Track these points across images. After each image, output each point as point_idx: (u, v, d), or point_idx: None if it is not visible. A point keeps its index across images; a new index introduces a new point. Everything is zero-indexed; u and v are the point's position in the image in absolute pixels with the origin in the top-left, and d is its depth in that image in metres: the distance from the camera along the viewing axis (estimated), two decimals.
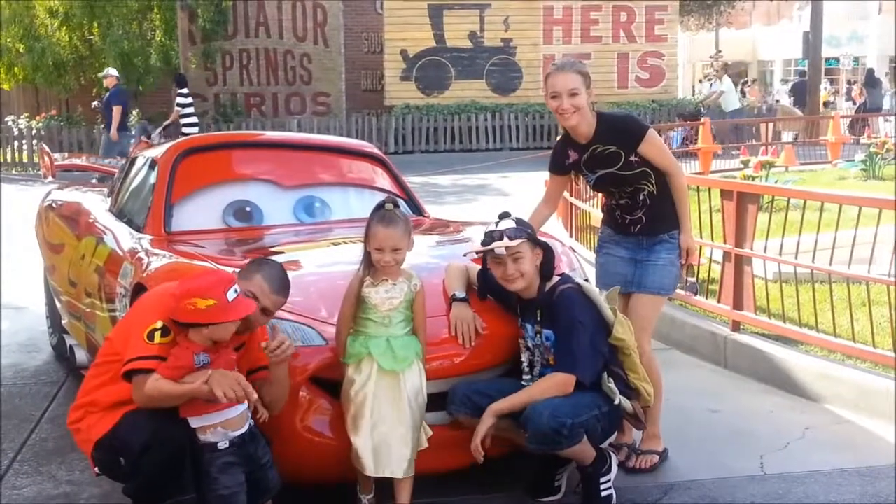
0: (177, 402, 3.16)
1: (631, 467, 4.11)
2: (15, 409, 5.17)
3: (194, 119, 17.39)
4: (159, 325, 3.18)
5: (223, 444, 3.22)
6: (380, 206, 3.58)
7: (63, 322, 5.81)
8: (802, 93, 26.23)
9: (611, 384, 3.62)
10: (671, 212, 4.11)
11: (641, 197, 4.06)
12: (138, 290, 3.94)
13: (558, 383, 3.59)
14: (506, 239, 3.65)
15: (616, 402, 3.63)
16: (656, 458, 4.15)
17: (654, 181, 4.05)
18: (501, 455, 3.79)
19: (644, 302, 4.12)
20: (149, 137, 17.34)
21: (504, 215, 3.78)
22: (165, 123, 17.51)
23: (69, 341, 5.64)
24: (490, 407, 3.57)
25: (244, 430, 3.28)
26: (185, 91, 17.45)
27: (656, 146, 4.04)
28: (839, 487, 3.94)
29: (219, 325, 3.14)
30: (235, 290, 3.17)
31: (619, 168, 4.02)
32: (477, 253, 3.83)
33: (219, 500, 3.19)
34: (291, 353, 3.35)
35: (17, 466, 4.33)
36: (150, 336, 3.17)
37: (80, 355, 5.36)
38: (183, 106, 17.33)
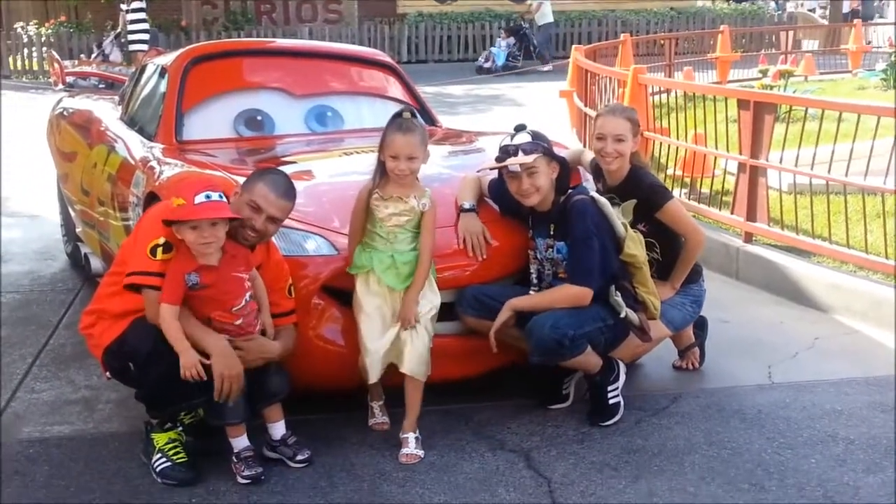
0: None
1: (679, 367, 4.29)
2: (33, 315, 5.24)
3: (144, 35, 15.55)
4: (162, 240, 3.20)
5: None
6: (398, 115, 3.53)
7: (77, 230, 5.85)
8: None
9: (618, 297, 3.63)
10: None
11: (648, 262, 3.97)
12: (151, 198, 3.95)
13: (575, 296, 3.61)
14: (521, 154, 3.60)
15: (622, 314, 3.65)
16: (697, 352, 4.30)
17: (659, 250, 4.03)
18: (514, 363, 3.83)
19: None
20: (100, 46, 17.01)
21: (520, 128, 3.73)
22: (116, 32, 16.75)
23: (84, 249, 5.69)
24: (508, 302, 3.62)
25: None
26: None
27: (674, 216, 3.99)
28: (846, 396, 3.98)
29: (182, 225, 3.13)
30: (207, 196, 3.15)
31: None
32: (491, 169, 3.80)
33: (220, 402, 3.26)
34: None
35: (35, 371, 4.42)
36: (153, 251, 3.19)
37: (95, 263, 5.41)
38: (135, 10, 15.55)
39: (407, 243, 3.51)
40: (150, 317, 3.20)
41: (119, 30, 16.72)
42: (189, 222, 3.14)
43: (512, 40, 19.72)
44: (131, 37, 15.83)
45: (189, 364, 3.12)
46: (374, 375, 3.52)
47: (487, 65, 19.45)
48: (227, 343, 3.22)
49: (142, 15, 16.02)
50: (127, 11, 15.98)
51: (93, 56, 16.78)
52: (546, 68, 19.35)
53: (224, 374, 3.17)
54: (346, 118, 5.12)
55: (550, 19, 19.97)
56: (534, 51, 19.99)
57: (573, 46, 11.28)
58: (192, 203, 3.14)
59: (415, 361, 3.48)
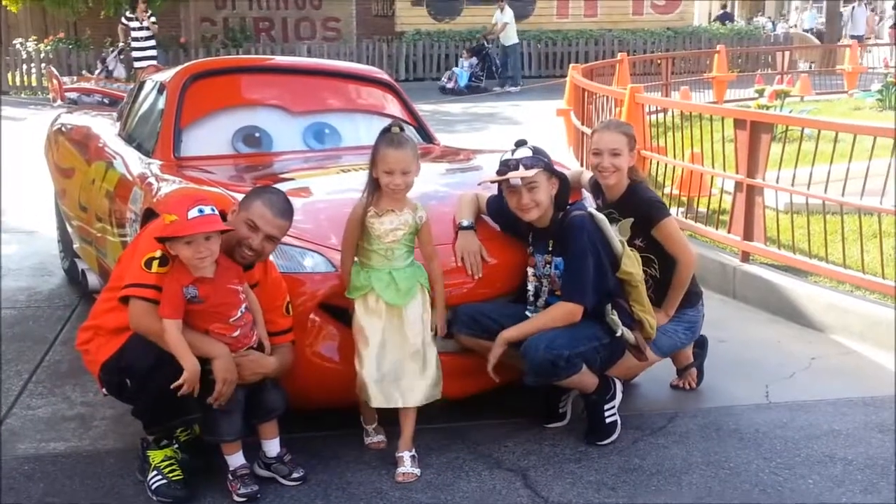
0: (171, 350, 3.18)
1: (676, 386, 4.29)
2: (29, 331, 5.23)
3: (153, 52, 15.91)
4: (158, 253, 3.20)
5: None
6: (386, 130, 3.54)
7: (75, 246, 5.85)
8: None
9: (614, 316, 3.63)
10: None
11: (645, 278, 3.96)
12: (148, 215, 3.95)
13: (568, 313, 3.61)
14: (521, 168, 3.61)
15: (618, 333, 3.64)
16: (695, 372, 4.30)
17: (657, 266, 4.02)
18: (512, 381, 3.83)
19: None
20: (103, 62, 17.05)
21: (520, 143, 3.74)
22: (120, 48, 16.80)
23: (81, 265, 5.68)
24: (500, 335, 3.61)
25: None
26: (147, 14, 15.99)
27: (668, 234, 3.97)
28: (843, 416, 3.97)
29: (177, 241, 3.13)
30: (200, 210, 3.15)
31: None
32: (492, 182, 3.81)
33: (217, 414, 3.24)
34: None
35: (31, 387, 4.40)
36: (148, 264, 3.19)
37: (93, 279, 5.41)
38: (138, 29, 15.84)
39: (403, 259, 3.52)
40: (135, 326, 3.19)
41: (122, 45, 16.74)
42: (184, 238, 3.14)
43: (475, 60, 19.63)
44: (139, 53, 15.87)
45: (192, 378, 3.11)
46: (376, 400, 3.50)
47: (450, 85, 19.22)
48: (227, 348, 3.22)
49: (150, 32, 16.08)
50: (136, 28, 16.04)
51: (96, 72, 16.81)
52: (515, 90, 19.29)
53: (227, 379, 3.17)
54: (344, 135, 5.13)
55: (516, 40, 19.91)
56: (496, 71, 19.97)
57: (570, 65, 11.34)
58: (185, 218, 3.14)
59: (424, 392, 3.51)
